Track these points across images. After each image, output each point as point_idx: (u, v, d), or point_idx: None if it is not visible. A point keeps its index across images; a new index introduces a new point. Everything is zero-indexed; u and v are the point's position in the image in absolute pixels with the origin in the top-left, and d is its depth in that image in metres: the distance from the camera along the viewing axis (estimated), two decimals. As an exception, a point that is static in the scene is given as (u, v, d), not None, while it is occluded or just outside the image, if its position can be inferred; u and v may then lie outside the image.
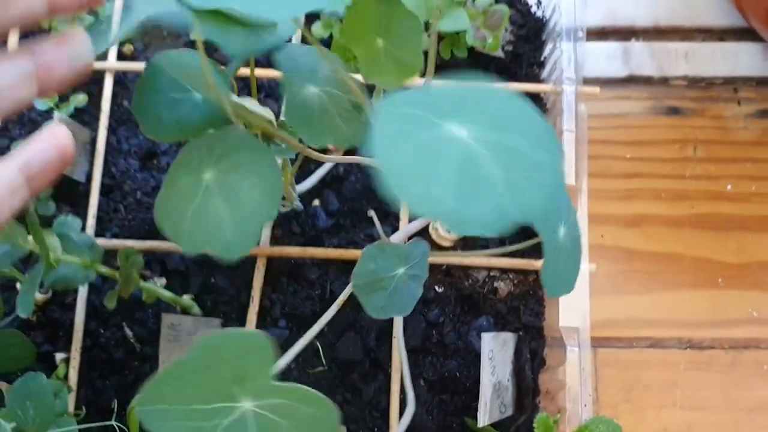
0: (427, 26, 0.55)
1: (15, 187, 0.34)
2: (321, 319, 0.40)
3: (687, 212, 0.60)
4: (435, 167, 0.23)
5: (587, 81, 0.62)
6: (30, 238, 0.42)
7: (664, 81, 0.64)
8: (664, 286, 0.58)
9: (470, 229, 0.23)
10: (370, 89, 0.38)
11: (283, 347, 0.50)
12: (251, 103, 0.34)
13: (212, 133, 0.35)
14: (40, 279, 0.41)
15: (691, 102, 0.63)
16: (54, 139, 0.35)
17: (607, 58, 0.64)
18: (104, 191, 0.55)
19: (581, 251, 0.40)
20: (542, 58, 0.57)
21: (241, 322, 0.51)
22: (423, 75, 0.39)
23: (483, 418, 0.46)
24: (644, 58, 0.64)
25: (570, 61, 0.53)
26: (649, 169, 0.61)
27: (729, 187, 0.60)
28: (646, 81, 0.64)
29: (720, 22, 0.65)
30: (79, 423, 0.46)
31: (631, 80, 0.64)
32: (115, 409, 0.48)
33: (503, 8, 0.55)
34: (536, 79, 0.57)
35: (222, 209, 0.33)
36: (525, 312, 0.52)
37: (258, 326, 0.50)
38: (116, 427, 0.45)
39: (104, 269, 0.46)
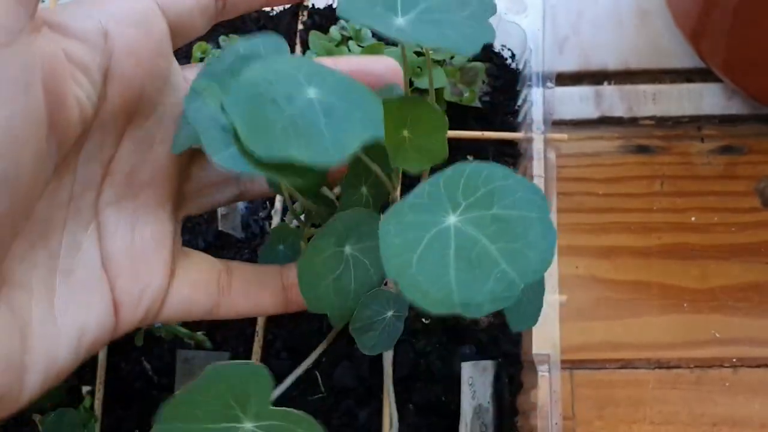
0: (411, 83, 0.61)
1: (269, 284, 0.40)
2: (314, 352, 0.46)
3: (654, 243, 0.65)
4: (439, 266, 0.27)
5: (562, 123, 0.69)
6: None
7: (634, 121, 0.69)
8: (634, 312, 0.63)
9: (484, 311, 0.27)
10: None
11: (285, 376, 0.56)
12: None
13: (355, 211, 0.40)
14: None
15: (658, 140, 0.68)
16: None
17: (580, 101, 0.70)
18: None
19: (544, 287, 0.45)
20: (516, 107, 0.63)
21: (248, 354, 0.56)
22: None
23: (464, 438, 0.52)
24: (615, 100, 0.70)
25: (539, 110, 0.58)
26: (620, 203, 0.66)
27: (693, 218, 0.66)
28: (617, 121, 0.69)
29: (686, 64, 0.71)
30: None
31: (602, 121, 0.69)
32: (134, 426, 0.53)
33: (478, 65, 0.61)
34: (511, 126, 0.63)
35: (352, 283, 0.39)
36: (503, 341, 0.57)
37: (262, 358, 0.56)
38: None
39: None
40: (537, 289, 0.44)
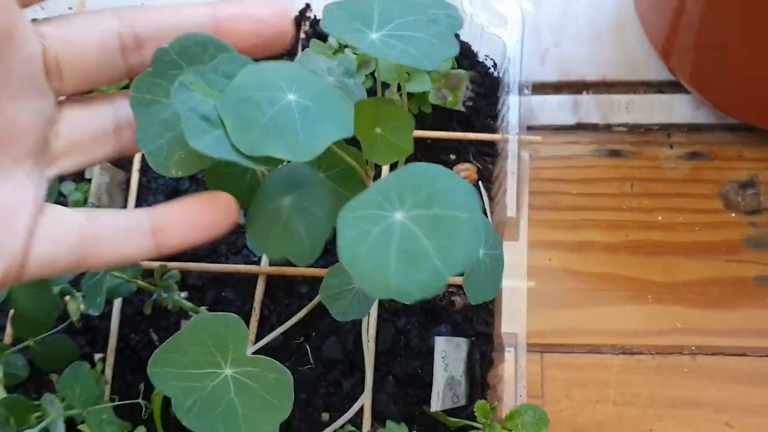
0: (399, 87, 0.67)
1: (135, 228, 0.38)
2: (294, 317, 0.52)
3: (623, 239, 0.71)
4: (385, 256, 0.32)
5: (541, 128, 0.75)
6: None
7: (608, 128, 0.75)
8: (602, 301, 0.69)
9: (414, 297, 0.31)
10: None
11: (278, 348, 0.62)
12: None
13: (285, 167, 0.45)
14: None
15: (630, 146, 0.74)
16: (199, 203, 0.38)
17: (558, 109, 0.76)
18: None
19: (502, 266, 0.51)
20: (496, 112, 0.69)
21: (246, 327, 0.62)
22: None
23: (435, 405, 0.57)
24: (591, 109, 0.76)
25: (515, 115, 0.64)
26: (592, 203, 0.72)
27: (660, 218, 0.71)
28: (593, 128, 0.75)
29: (659, 77, 0.76)
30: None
31: (579, 127, 0.75)
32: (142, 392, 0.59)
33: (462, 72, 0.67)
34: (491, 129, 0.69)
35: (301, 226, 0.44)
36: (477, 321, 0.63)
37: (258, 331, 0.62)
38: (143, 405, 0.57)
39: (142, 283, 0.59)
40: (495, 269, 0.50)
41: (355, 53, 0.68)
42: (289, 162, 0.45)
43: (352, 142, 0.43)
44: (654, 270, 0.70)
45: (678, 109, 0.75)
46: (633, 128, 0.75)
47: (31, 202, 0.36)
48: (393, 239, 0.33)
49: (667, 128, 0.75)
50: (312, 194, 0.43)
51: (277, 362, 0.40)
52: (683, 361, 0.67)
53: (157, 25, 0.38)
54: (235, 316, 0.40)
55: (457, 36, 0.43)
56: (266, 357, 0.40)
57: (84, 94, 0.39)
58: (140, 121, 0.38)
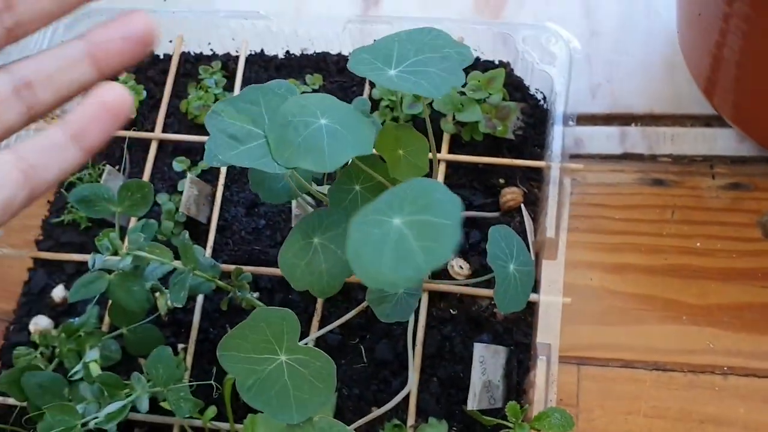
0: (453, 117, 0.74)
1: (58, 144, 0.39)
2: (345, 316, 0.59)
3: (661, 263, 0.75)
4: (381, 253, 0.39)
5: (588, 157, 0.80)
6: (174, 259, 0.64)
7: (653, 158, 0.80)
8: (638, 320, 0.73)
9: (399, 287, 0.39)
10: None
11: (336, 347, 0.70)
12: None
13: (321, 210, 0.55)
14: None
15: (673, 175, 0.79)
16: (99, 98, 0.39)
17: (606, 139, 0.81)
18: (219, 230, 0.77)
19: (532, 282, 0.57)
20: (543, 141, 0.75)
21: (308, 327, 0.70)
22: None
23: (471, 404, 0.63)
24: (637, 140, 0.81)
25: (558, 144, 0.70)
26: (634, 228, 0.77)
27: (698, 244, 0.76)
28: (638, 158, 0.80)
29: (704, 111, 0.81)
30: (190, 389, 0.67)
31: (625, 157, 0.80)
32: (214, 375, 0.68)
33: (512, 104, 0.73)
34: (538, 156, 0.75)
35: (323, 264, 0.53)
36: (516, 332, 0.69)
37: (318, 330, 0.70)
38: (215, 386, 0.66)
39: (220, 283, 0.67)
40: (524, 284, 0.56)
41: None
42: (327, 206, 0.53)
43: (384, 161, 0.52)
44: (690, 292, 0.74)
45: (722, 141, 0.79)
46: (677, 159, 0.80)
47: None
48: (389, 240, 0.40)
49: (710, 160, 0.79)
50: (339, 237, 0.51)
51: (323, 352, 0.48)
52: (714, 380, 0.71)
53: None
54: (290, 310, 0.48)
55: (467, 71, 0.50)
56: (314, 347, 0.48)
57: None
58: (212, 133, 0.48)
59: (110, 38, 0.40)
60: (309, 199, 0.67)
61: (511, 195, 0.72)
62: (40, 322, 0.75)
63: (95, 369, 0.65)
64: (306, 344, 0.62)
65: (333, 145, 0.45)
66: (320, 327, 0.70)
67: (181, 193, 0.78)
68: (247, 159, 0.46)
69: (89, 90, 0.41)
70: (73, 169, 0.41)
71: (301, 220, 0.53)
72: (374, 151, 0.51)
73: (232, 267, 0.71)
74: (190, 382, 0.69)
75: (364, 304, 0.60)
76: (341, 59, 0.83)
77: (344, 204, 0.55)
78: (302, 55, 0.85)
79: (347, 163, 0.52)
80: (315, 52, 0.85)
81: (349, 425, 0.50)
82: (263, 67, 0.85)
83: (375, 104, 0.79)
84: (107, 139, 0.40)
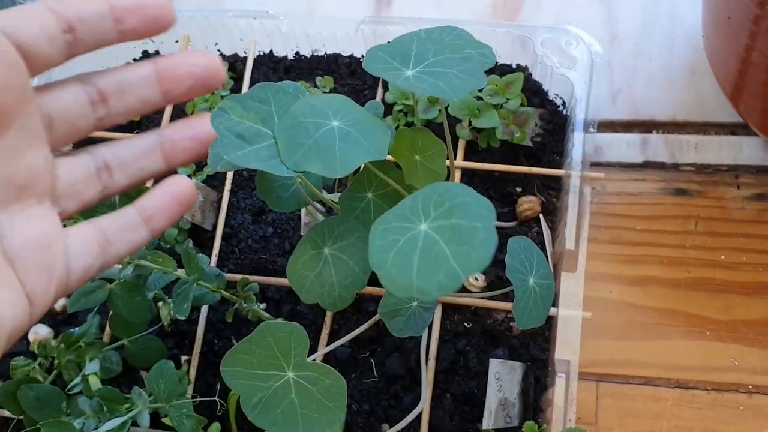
0: (470, 122, 0.71)
1: (132, 224, 0.45)
2: (356, 330, 0.57)
3: (684, 276, 0.72)
4: (409, 261, 0.36)
5: (609, 165, 0.77)
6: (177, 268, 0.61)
7: (676, 167, 0.77)
8: (660, 335, 0.71)
9: (433, 295, 0.36)
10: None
11: (345, 361, 0.67)
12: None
13: (332, 219, 0.52)
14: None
15: (696, 185, 0.76)
16: (171, 188, 0.45)
17: (627, 147, 0.78)
18: (225, 237, 0.74)
19: (552, 295, 0.54)
20: (563, 148, 0.72)
21: (316, 340, 0.68)
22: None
23: (486, 423, 0.61)
24: (659, 148, 0.78)
25: (578, 151, 0.67)
26: (656, 239, 0.74)
27: (722, 257, 0.73)
28: (660, 166, 0.77)
29: (729, 119, 0.78)
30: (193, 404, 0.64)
31: (647, 165, 0.78)
32: (218, 391, 0.65)
33: (530, 110, 0.71)
34: (557, 164, 0.72)
35: (333, 276, 0.50)
36: (533, 347, 0.66)
37: (328, 343, 0.67)
38: (218, 402, 0.63)
39: (225, 293, 0.65)
40: (544, 298, 0.53)
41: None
42: (338, 214, 0.50)
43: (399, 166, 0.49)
44: (714, 307, 0.71)
45: (747, 150, 0.76)
46: (701, 168, 0.77)
47: (60, 230, 0.43)
48: (417, 246, 0.37)
49: (735, 169, 0.76)
50: (351, 248, 0.48)
51: (333, 369, 0.45)
52: (739, 399, 0.68)
53: (112, 82, 0.45)
54: (298, 324, 0.46)
55: (489, 72, 0.48)
56: (323, 364, 0.45)
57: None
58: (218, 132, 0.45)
59: (182, 137, 0.46)
60: (319, 206, 0.64)
61: (529, 204, 0.69)
62: (39, 331, 0.73)
63: (95, 382, 0.63)
64: (314, 359, 0.60)
65: (345, 148, 0.42)
66: (330, 340, 0.67)
67: (186, 198, 0.75)
68: (254, 160, 0.43)
69: (157, 178, 0.47)
70: (140, 247, 0.46)
71: (310, 229, 0.50)
72: (389, 156, 0.49)
73: (238, 276, 0.68)
74: (193, 396, 0.67)
75: (375, 318, 0.58)
76: (353, 61, 0.81)
77: (356, 212, 0.52)
78: (313, 56, 0.82)
79: (359, 168, 0.49)
80: (326, 54, 0.82)
81: (359, 445, 0.48)
82: (272, 69, 0.82)
83: (388, 108, 0.76)
84: (173, 224, 0.47)
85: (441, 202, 0.38)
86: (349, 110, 0.44)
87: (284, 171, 0.42)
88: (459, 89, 0.44)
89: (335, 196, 0.55)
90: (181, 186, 0.46)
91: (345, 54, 0.81)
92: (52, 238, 0.42)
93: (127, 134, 0.49)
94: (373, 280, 0.69)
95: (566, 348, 0.62)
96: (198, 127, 0.47)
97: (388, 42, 0.49)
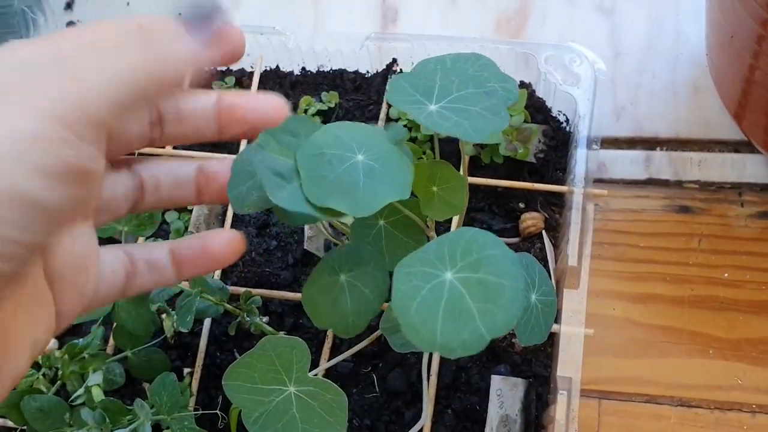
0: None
1: (161, 264, 0.44)
2: (357, 345, 0.57)
3: (687, 293, 0.72)
4: (434, 313, 0.36)
5: (612, 182, 0.78)
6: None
7: (679, 184, 0.77)
8: (662, 353, 0.70)
9: (456, 354, 0.35)
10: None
11: (347, 375, 0.67)
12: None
13: (350, 246, 0.51)
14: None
15: (700, 202, 0.76)
16: (206, 242, 0.44)
17: (631, 164, 0.78)
18: (228, 251, 0.75)
19: (554, 312, 0.54)
20: (566, 164, 0.73)
21: (318, 354, 0.68)
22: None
23: (488, 440, 0.61)
24: (663, 165, 0.78)
25: (581, 168, 0.67)
26: (659, 256, 0.74)
27: (726, 274, 0.73)
28: (664, 183, 0.77)
29: (733, 136, 0.78)
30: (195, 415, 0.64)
31: (650, 182, 0.78)
32: (220, 404, 0.66)
33: (533, 126, 0.71)
34: (560, 181, 0.72)
35: (348, 303, 0.49)
36: (535, 364, 0.66)
37: (330, 357, 0.67)
38: (220, 415, 0.63)
39: (228, 306, 0.65)
40: (546, 315, 0.53)
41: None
42: (353, 243, 0.50)
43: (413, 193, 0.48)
44: (717, 325, 0.71)
45: (751, 168, 0.76)
46: (704, 185, 0.77)
47: (97, 251, 0.42)
48: (442, 297, 0.36)
49: (739, 187, 0.76)
50: (367, 276, 0.48)
51: (334, 384, 0.45)
52: (743, 418, 0.68)
53: (173, 107, 0.43)
54: (300, 339, 0.46)
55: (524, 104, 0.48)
56: (325, 379, 0.45)
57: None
58: (234, 171, 0.45)
59: (220, 173, 0.45)
60: (326, 224, 0.65)
61: (532, 220, 0.70)
62: (43, 342, 0.73)
63: (98, 393, 0.63)
64: (316, 374, 0.60)
65: (369, 185, 0.41)
66: (332, 354, 0.68)
67: (190, 211, 0.75)
68: (296, 202, 0.41)
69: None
70: (165, 286, 0.48)
71: (327, 255, 0.50)
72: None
73: (241, 289, 0.68)
74: (195, 409, 0.67)
75: (377, 332, 0.58)
76: (358, 77, 0.81)
77: (368, 239, 0.52)
78: (318, 71, 0.83)
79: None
80: (332, 69, 0.83)
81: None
82: (278, 83, 0.83)
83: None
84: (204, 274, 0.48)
85: (468, 251, 0.38)
86: (373, 143, 0.43)
87: (314, 211, 0.41)
88: (482, 131, 0.43)
89: (346, 219, 0.54)
90: (217, 243, 0.44)
91: (350, 69, 0.82)
92: (89, 260, 0.41)
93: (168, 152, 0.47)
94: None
95: (568, 365, 0.62)
96: (210, 243, 0.45)
97: (412, 70, 0.49)
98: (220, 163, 0.46)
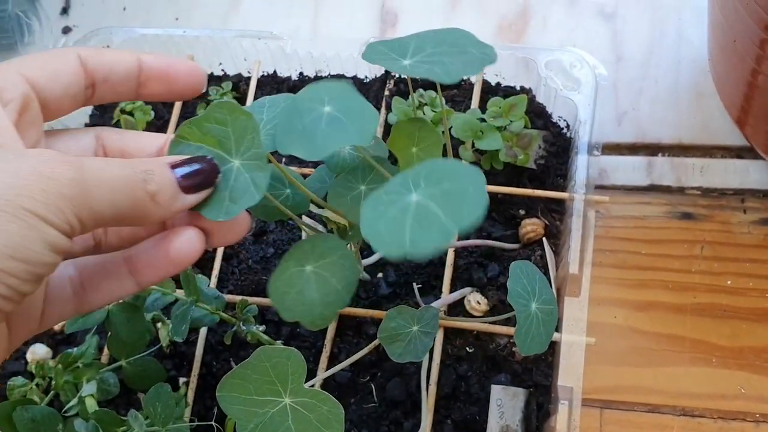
0: (473, 144, 0.71)
1: (115, 273, 0.43)
2: (356, 354, 0.56)
3: (690, 301, 0.71)
4: (401, 225, 0.36)
5: (614, 188, 0.77)
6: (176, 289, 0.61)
7: (681, 190, 0.76)
8: (665, 361, 0.69)
9: (426, 251, 0.35)
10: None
11: (345, 385, 0.66)
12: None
13: (316, 236, 0.51)
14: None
15: (702, 209, 0.75)
16: (166, 244, 0.42)
17: (633, 170, 0.78)
18: (225, 258, 0.74)
19: (555, 321, 0.54)
20: (566, 171, 0.72)
21: (316, 363, 0.67)
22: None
23: (488, 450, 0.60)
24: (665, 171, 0.77)
25: (582, 174, 0.66)
26: (661, 263, 0.73)
27: (729, 282, 0.72)
28: (666, 190, 0.76)
29: (736, 142, 0.77)
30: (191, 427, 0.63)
31: (652, 188, 0.77)
32: (215, 415, 0.65)
33: (533, 132, 0.70)
34: (561, 187, 0.71)
35: (315, 294, 0.49)
36: (536, 373, 0.65)
37: (327, 367, 0.66)
38: (215, 427, 0.62)
39: (224, 315, 0.64)
40: (547, 323, 0.53)
41: (434, 111, 0.73)
42: (321, 232, 0.50)
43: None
44: (720, 333, 0.70)
45: (754, 174, 0.76)
46: (706, 192, 0.76)
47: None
48: (408, 211, 0.37)
49: (742, 193, 0.75)
50: (333, 266, 0.47)
51: (331, 395, 0.44)
52: (746, 427, 0.67)
53: (102, 72, 0.43)
54: (295, 349, 0.45)
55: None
56: (321, 390, 0.45)
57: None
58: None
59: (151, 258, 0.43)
60: (321, 228, 0.64)
61: (532, 227, 0.69)
62: (37, 351, 0.72)
63: (92, 404, 0.62)
64: (314, 383, 0.59)
65: (328, 132, 0.42)
66: (330, 363, 0.67)
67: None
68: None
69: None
70: (125, 297, 0.46)
71: (294, 247, 0.49)
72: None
73: (237, 298, 0.67)
74: (191, 419, 0.66)
75: (376, 341, 0.57)
76: (356, 82, 0.80)
77: (345, 203, 0.51)
78: (316, 76, 0.82)
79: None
80: (330, 74, 0.82)
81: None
82: (275, 89, 0.82)
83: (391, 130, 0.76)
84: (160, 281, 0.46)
85: (431, 174, 0.38)
86: (343, 98, 0.43)
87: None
88: (454, 73, 0.43)
89: (326, 213, 0.53)
90: (178, 246, 0.42)
91: (349, 74, 0.81)
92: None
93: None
94: (374, 304, 0.69)
95: (569, 374, 0.61)
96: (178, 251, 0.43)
97: (390, 39, 0.49)
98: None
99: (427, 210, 0.36)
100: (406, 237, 0.36)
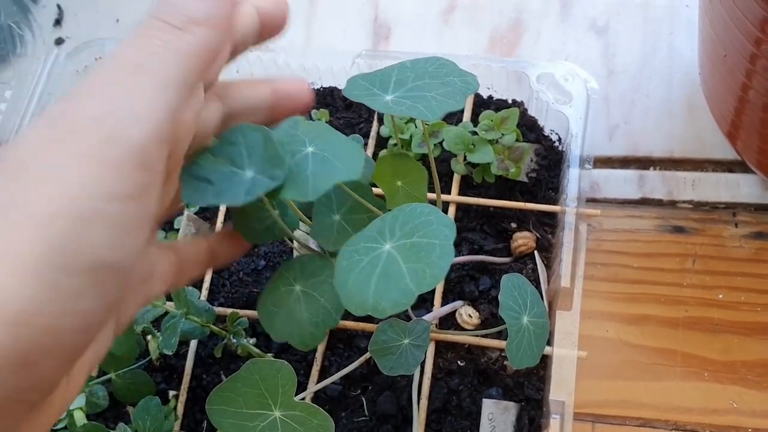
0: (465, 157, 0.71)
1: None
2: (347, 368, 0.55)
3: (682, 315, 0.71)
4: (368, 280, 0.37)
5: (605, 201, 0.77)
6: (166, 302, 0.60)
7: (673, 204, 0.76)
8: (657, 375, 0.69)
9: (387, 312, 0.37)
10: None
11: (336, 399, 0.66)
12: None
13: (305, 255, 0.51)
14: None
15: (694, 222, 0.75)
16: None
17: (624, 183, 0.78)
18: (215, 270, 0.73)
19: (546, 334, 0.53)
20: (558, 184, 0.72)
21: (307, 377, 0.67)
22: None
23: (479, 465, 0.59)
24: (657, 184, 0.77)
25: (574, 188, 0.66)
26: (652, 277, 0.73)
27: (721, 296, 0.72)
28: (657, 203, 0.77)
29: (727, 156, 0.77)
30: (181, 441, 0.63)
31: (643, 202, 0.77)
32: (205, 428, 0.64)
33: (525, 145, 0.70)
34: (553, 200, 0.71)
35: (305, 314, 0.49)
36: (528, 386, 0.65)
37: (318, 380, 0.66)
38: (205, 440, 0.62)
39: (215, 328, 0.64)
40: (538, 336, 0.52)
41: (426, 124, 0.73)
42: (311, 250, 0.50)
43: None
44: (712, 347, 0.70)
45: (745, 188, 0.76)
46: (698, 205, 0.76)
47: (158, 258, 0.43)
48: (378, 265, 0.38)
49: (733, 207, 0.75)
50: (322, 285, 0.47)
51: (321, 409, 0.44)
52: (739, 442, 0.67)
53: (240, 104, 0.45)
54: (286, 362, 0.44)
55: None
56: (311, 403, 0.44)
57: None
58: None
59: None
60: (313, 245, 0.63)
61: (524, 240, 0.69)
62: (26, 364, 0.72)
63: (80, 417, 0.62)
64: (304, 396, 0.59)
65: (317, 172, 0.41)
66: (320, 376, 0.66)
67: (177, 230, 0.74)
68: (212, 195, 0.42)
69: None
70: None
71: (283, 266, 0.49)
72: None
73: (228, 310, 0.67)
74: (180, 432, 0.66)
75: (366, 355, 0.57)
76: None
77: (326, 229, 0.51)
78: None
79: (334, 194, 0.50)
80: (322, 87, 0.82)
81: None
82: (268, 102, 0.82)
83: (383, 142, 0.76)
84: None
85: (406, 221, 0.39)
86: (324, 137, 0.43)
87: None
88: (437, 110, 0.43)
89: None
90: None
91: (341, 87, 0.81)
92: (154, 268, 0.43)
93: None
94: (365, 317, 0.69)
95: (561, 388, 0.61)
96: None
97: (370, 72, 0.49)
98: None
99: (394, 265, 0.37)
100: (369, 295, 0.37)
